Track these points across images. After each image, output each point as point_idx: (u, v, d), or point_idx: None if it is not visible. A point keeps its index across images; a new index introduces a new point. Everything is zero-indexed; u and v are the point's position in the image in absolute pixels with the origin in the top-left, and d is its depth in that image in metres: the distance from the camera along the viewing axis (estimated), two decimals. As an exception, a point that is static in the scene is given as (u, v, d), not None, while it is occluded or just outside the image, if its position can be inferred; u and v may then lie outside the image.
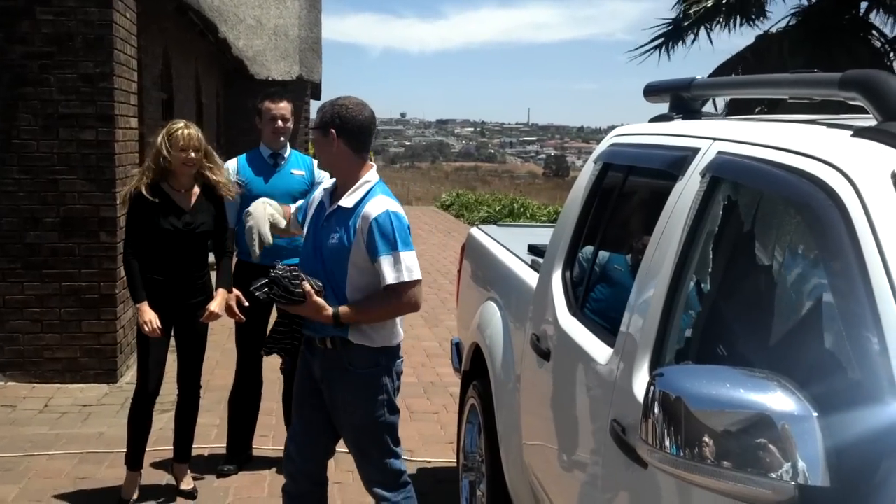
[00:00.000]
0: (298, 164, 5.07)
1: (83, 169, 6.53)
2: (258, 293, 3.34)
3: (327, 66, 21.55)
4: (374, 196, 3.39)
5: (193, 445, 4.83)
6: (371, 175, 3.46)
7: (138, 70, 7.65)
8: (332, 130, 3.35)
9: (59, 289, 6.65)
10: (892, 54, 12.68)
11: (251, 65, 18.54)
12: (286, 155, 5.06)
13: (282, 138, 5.01)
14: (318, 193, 3.63)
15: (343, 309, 3.30)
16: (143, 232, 4.38)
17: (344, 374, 3.44)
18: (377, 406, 3.46)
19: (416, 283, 3.35)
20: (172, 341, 4.58)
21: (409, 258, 3.33)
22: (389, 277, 3.29)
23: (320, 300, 3.28)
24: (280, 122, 4.96)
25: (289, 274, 3.28)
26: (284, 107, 4.99)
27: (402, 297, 3.32)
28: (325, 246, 3.40)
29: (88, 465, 5.15)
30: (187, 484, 4.72)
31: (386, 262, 3.29)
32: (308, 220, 3.59)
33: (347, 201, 3.39)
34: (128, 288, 4.49)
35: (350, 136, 3.37)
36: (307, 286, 3.27)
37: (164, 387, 4.58)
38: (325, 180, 3.83)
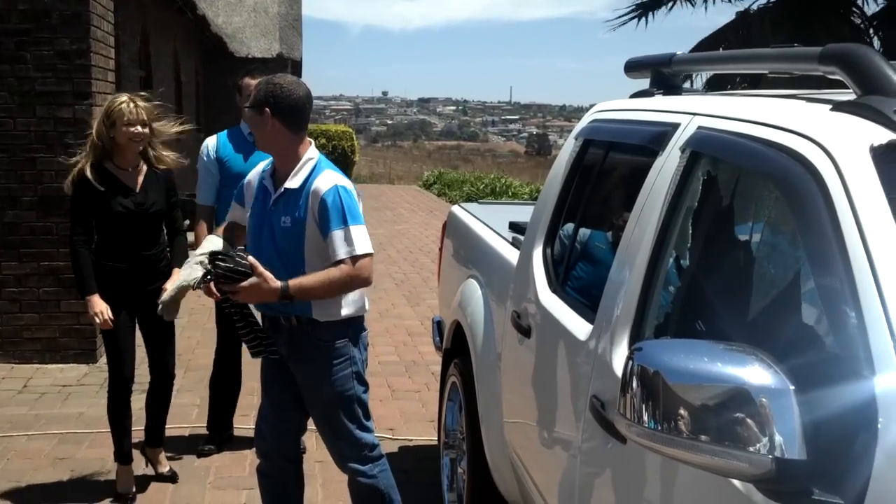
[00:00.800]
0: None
1: (61, 147, 6.42)
2: (202, 285, 3.28)
3: (307, 43, 21.44)
4: (320, 172, 3.36)
5: (174, 426, 4.80)
6: (312, 152, 3.43)
7: (116, 47, 7.56)
8: (267, 109, 3.30)
9: (38, 268, 6.60)
10: (871, 31, 12.72)
11: (230, 42, 18.40)
12: (266, 132, 5.00)
13: (261, 115, 4.96)
14: (253, 176, 3.55)
15: (293, 282, 3.25)
16: (92, 217, 4.21)
17: (312, 349, 3.42)
18: (346, 379, 3.45)
19: (365, 256, 3.31)
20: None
21: (358, 232, 3.30)
22: (341, 252, 3.26)
23: (267, 271, 3.23)
24: (259, 99, 4.90)
25: (231, 251, 3.26)
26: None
27: (352, 271, 3.27)
28: (278, 230, 3.35)
29: (68, 445, 5.13)
30: (164, 467, 4.65)
31: (337, 237, 3.26)
32: (250, 207, 3.52)
33: (293, 182, 3.35)
34: (75, 279, 4.28)
35: (285, 114, 3.32)
36: (252, 259, 3.22)
37: (138, 367, 4.51)
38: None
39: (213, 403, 5.16)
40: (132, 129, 4.16)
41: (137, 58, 11.13)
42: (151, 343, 4.49)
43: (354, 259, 3.27)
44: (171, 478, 4.61)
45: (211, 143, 4.92)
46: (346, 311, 3.41)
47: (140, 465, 4.62)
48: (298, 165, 3.37)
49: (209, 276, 3.25)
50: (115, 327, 4.23)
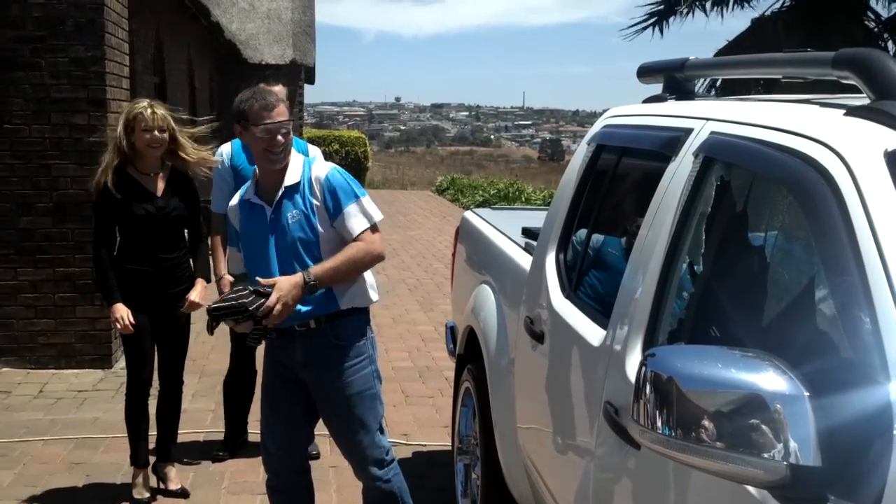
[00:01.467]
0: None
1: (76, 154, 6.50)
2: (225, 325, 3.32)
3: (321, 50, 21.48)
4: (312, 162, 3.47)
5: (188, 430, 4.81)
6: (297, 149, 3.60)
7: (130, 54, 7.61)
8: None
9: (53, 274, 6.64)
10: (885, 35, 12.66)
11: (244, 49, 18.45)
12: (280, 139, 5.01)
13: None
14: (235, 206, 3.53)
15: (314, 269, 3.25)
16: (114, 222, 4.25)
17: (331, 350, 3.41)
18: (368, 377, 3.47)
19: (376, 228, 3.39)
20: None
21: (369, 203, 3.39)
22: (357, 227, 3.32)
23: (284, 277, 3.23)
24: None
25: (233, 294, 3.22)
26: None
27: (371, 243, 3.34)
28: (287, 228, 3.34)
29: (84, 450, 5.15)
30: (175, 484, 4.58)
31: (352, 211, 3.31)
32: (244, 231, 3.50)
33: (291, 178, 3.38)
34: (99, 288, 4.32)
35: None
36: (255, 289, 3.18)
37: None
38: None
39: (228, 406, 5.18)
40: (148, 135, 4.18)
41: (152, 64, 11.18)
42: (164, 347, 4.48)
43: (371, 230, 3.34)
44: (183, 494, 4.55)
45: (226, 150, 4.92)
46: (371, 295, 3.48)
47: (152, 481, 4.58)
48: (291, 163, 3.41)
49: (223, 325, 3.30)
50: (136, 330, 4.25)
